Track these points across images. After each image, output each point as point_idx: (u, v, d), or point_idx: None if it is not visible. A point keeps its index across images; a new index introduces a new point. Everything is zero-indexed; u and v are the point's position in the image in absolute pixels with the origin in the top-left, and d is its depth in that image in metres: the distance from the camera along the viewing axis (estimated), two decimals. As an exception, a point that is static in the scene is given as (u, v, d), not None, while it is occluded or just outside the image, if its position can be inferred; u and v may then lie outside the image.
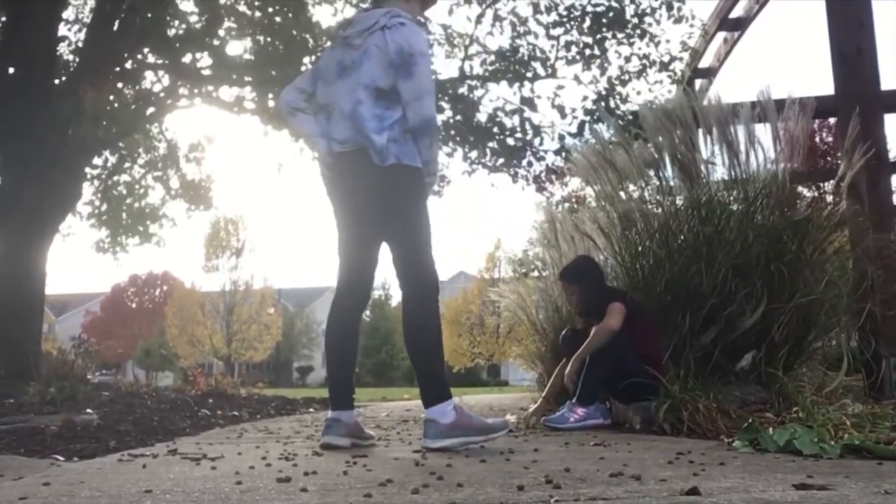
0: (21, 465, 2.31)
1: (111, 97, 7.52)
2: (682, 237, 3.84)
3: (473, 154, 8.04)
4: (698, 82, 6.99)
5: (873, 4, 4.21)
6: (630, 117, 6.89)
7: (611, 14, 7.45)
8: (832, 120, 5.94)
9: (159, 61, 7.83)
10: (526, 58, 7.71)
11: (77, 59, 7.69)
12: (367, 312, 39.00)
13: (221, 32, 7.53)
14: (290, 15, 7.35)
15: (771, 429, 2.43)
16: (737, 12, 6.23)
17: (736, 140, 3.83)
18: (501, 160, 7.98)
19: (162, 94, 8.15)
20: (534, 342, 5.64)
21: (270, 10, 7.45)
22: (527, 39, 7.76)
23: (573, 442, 2.76)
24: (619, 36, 7.55)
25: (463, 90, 7.89)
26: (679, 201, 3.98)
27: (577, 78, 7.67)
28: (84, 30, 8.20)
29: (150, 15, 6.88)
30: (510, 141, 7.89)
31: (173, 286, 39.90)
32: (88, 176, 8.96)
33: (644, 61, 7.55)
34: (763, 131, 3.84)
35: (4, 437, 2.95)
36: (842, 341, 3.83)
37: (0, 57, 6.56)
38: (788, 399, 3.10)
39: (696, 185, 3.85)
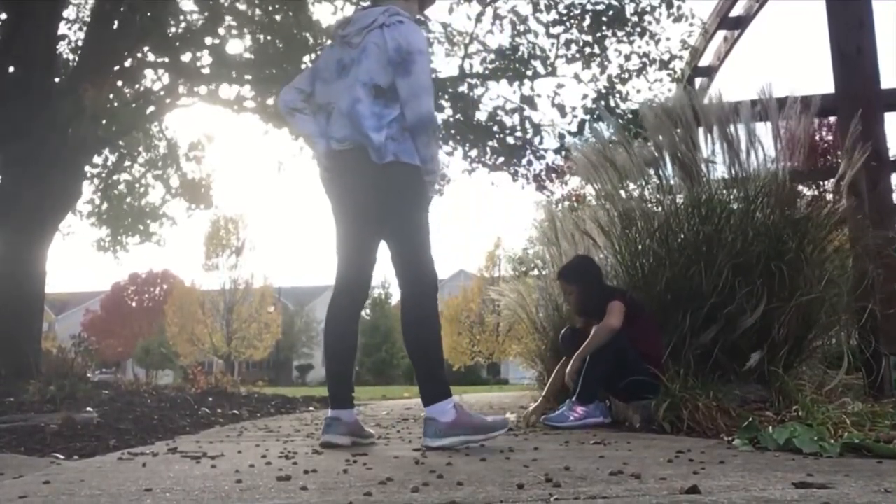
0: (21, 464, 2.31)
1: (111, 96, 7.51)
2: (683, 236, 3.84)
3: (473, 153, 8.03)
4: (698, 81, 6.99)
5: (873, 4, 4.22)
6: (630, 116, 6.88)
7: (611, 12, 7.43)
8: (832, 118, 5.94)
9: (159, 60, 7.82)
10: (526, 56, 7.70)
11: (77, 58, 7.69)
12: (367, 311, 39.18)
13: (221, 31, 7.52)
14: (290, 13, 7.35)
15: (771, 427, 2.43)
16: (737, 11, 6.23)
17: (736, 139, 3.83)
18: (501, 159, 7.97)
19: (162, 93, 8.15)
20: (534, 340, 5.64)
21: (270, 8, 7.45)
22: (527, 38, 7.75)
23: (573, 440, 2.76)
24: (619, 34, 7.54)
25: (463, 89, 7.88)
26: (679, 200, 3.98)
27: (577, 76, 7.66)
28: (84, 28, 8.20)
29: (149, 14, 6.88)
30: (510, 139, 7.89)
31: (173, 285, 39.94)
32: (88, 175, 8.97)
33: (644, 60, 7.54)
34: (763, 130, 3.84)
35: (4, 436, 2.96)
36: (842, 340, 3.83)
37: (0, 56, 6.56)
38: (788, 397, 3.10)
39: (696, 183, 3.85)
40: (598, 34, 7.52)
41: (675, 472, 1.75)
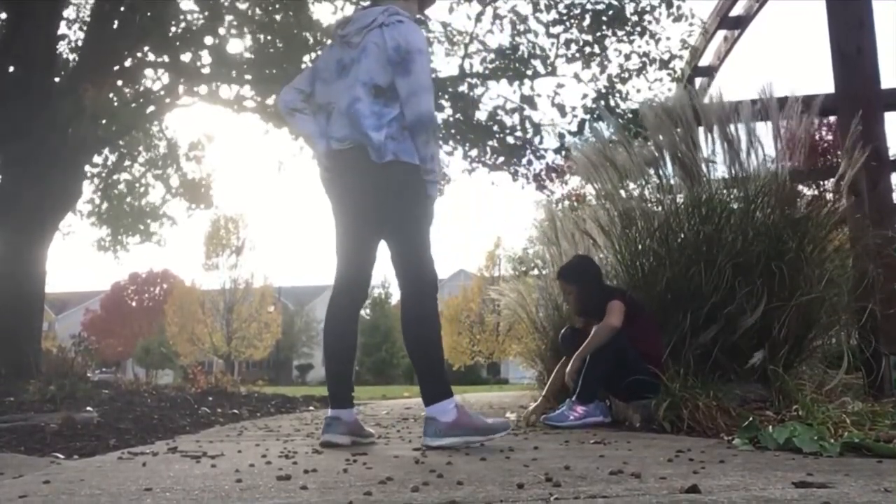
0: (21, 464, 2.31)
1: (111, 95, 7.51)
2: (683, 235, 3.84)
3: (473, 152, 8.02)
4: (698, 81, 7.00)
5: (873, 4, 4.22)
6: (630, 115, 6.88)
7: (610, 12, 7.43)
8: (832, 118, 5.94)
9: (159, 60, 7.82)
10: (526, 56, 7.69)
11: (77, 58, 7.68)
12: (367, 310, 39.19)
13: (221, 31, 7.51)
14: (290, 13, 7.34)
15: (771, 427, 2.43)
16: (737, 11, 6.23)
17: (736, 138, 3.83)
18: (501, 158, 7.97)
19: (162, 93, 8.14)
20: (534, 340, 5.64)
21: (270, 8, 7.45)
22: (527, 37, 7.74)
23: (573, 440, 2.76)
24: (619, 34, 7.53)
25: (463, 88, 7.87)
26: (679, 200, 3.98)
27: (576, 76, 7.65)
28: (84, 28, 8.19)
29: (149, 14, 6.87)
30: (510, 139, 7.88)
31: (173, 284, 39.95)
32: (89, 174, 8.96)
33: (644, 59, 7.54)
34: (763, 130, 3.84)
35: (4, 435, 2.95)
36: (842, 339, 3.84)
37: (0, 56, 6.56)
38: (788, 397, 3.11)
39: (696, 183, 3.85)
40: (598, 34, 7.51)
41: (675, 471, 1.75)
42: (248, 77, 7.66)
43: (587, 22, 7.49)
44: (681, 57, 7.49)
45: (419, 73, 2.53)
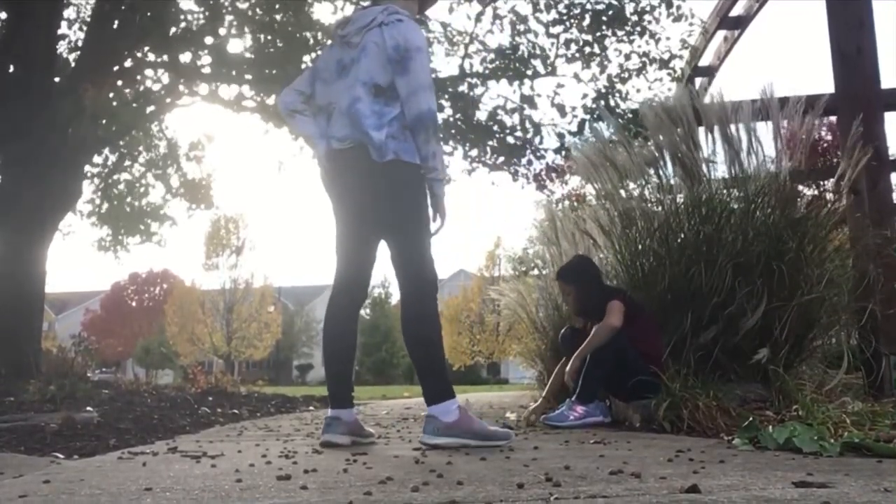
0: (21, 463, 2.31)
1: (111, 96, 7.51)
2: (683, 235, 3.84)
3: (473, 152, 8.02)
4: (698, 80, 7.00)
5: (873, 4, 4.22)
6: (630, 115, 6.88)
7: (610, 12, 7.43)
8: (832, 118, 5.95)
9: (159, 60, 7.82)
10: (526, 56, 7.69)
11: (77, 58, 7.68)
12: (367, 310, 39.19)
13: (221, 31, 7.51)
14: (290, 13, 7.34)
15: (771, 427, 2.43)
16: (737, 11, 6.24)
17: (737, 138, 3.83)
18: (501, 158, 7.96)
19: (162, 93, 8.14)
20: (534, 340, 5.64)
21: (270, 8, 7.44)
22: (527, 37, 7.74)
23: (573, 440, 2.76)
24: (619, 33, 7.53)
25: (463, 88, 7.87)
26: (679, 200, 3.98)
27: (576, 76, 7.66)
28: (84, 28, 8.19)
29: (149, 14, 6.87)
30: (510, 139, 7.87)
31: (173, 284, 39.95)
32: (89, 174, 8.96)
33: (644, 59, 7.54)
34: (764, 130, 3.84)
35: (4, 435, 2.96)
36: (842, 339, 3.84)
37: (0, 56, 6.56)
38: (788, 397, 3.11)
39: (696, 183, 3.85)
40: (598, 34, 7.51)
41: (675, 471, 1.75)
42: (248, 77, 7.65)
43: (587, 22, 7.49)
44: (681, 57, 7.49)
45: (418, 71, 2.52)
